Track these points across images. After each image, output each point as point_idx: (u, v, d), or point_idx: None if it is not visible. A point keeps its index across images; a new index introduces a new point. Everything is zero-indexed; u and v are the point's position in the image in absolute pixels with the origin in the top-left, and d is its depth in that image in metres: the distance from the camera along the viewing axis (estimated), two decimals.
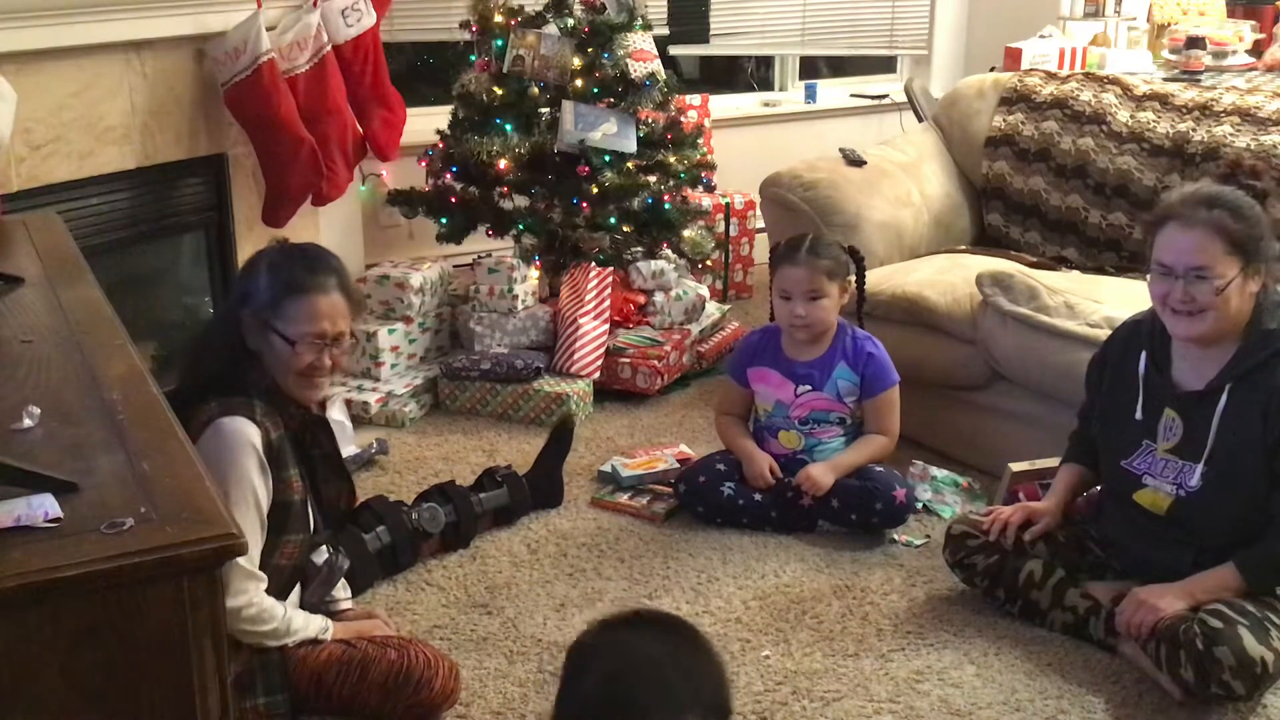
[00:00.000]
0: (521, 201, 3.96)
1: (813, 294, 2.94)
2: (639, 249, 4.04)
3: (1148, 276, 2.35)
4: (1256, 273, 2.25)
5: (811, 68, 5.77)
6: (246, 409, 2.06)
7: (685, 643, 1.37)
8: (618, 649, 1.35)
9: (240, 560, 1.98)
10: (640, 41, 4.16)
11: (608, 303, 3.82)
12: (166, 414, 1.49)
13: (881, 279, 3.39)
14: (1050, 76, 4.00)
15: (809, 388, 3.01)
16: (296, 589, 2.24)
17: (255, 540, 2.06)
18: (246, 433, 2.03)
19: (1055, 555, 2.54)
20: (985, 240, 3.95)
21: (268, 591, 2.08)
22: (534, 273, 3.96)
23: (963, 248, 3.83)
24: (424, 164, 4.05)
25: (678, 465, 3.19)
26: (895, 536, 2.93)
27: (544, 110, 3.90)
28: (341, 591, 2.40)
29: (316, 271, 2.14)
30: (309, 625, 2.17)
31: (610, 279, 3.87)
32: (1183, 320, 2.28)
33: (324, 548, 2.27)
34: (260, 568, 2.09)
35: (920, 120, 4.59)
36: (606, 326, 3.80)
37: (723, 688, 1.38)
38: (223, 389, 2.08)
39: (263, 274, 2.14)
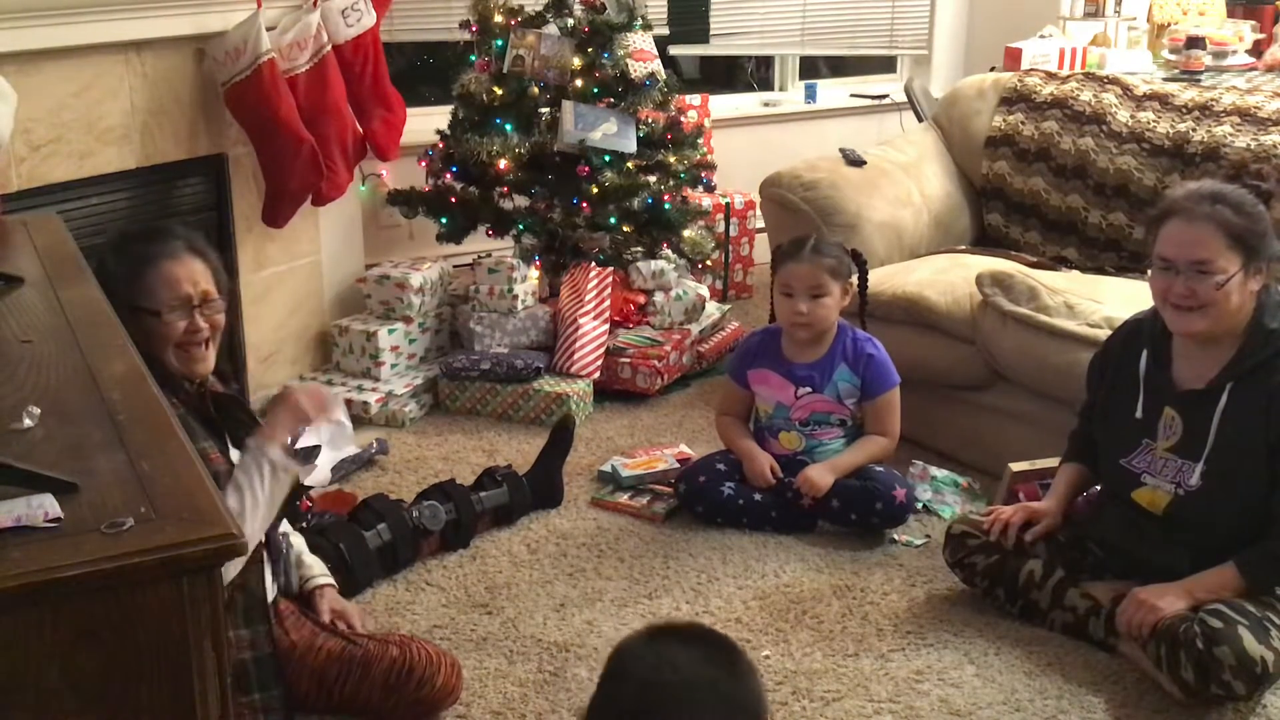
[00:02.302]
0: (521, 201, 3.96)
1: (815, 291, 2.94)
2: (639, 249, 4.04)
3: (1149, 273, 2.35)
4: (1258, 271, 2.26)
5: (811, 68, 5.77)
6: None
7: (728, 666, 1.35)
8: (661, 661, 1.33)
9: None
10: (640, 41, 4.17)
11: (608, 303, 3.82)
12: (166, 414, 1.49)
13: (882, 279, 3.39)
14: (1050, 76, 4.00)
15: (809, 389, 3.01)
16: (267, 576, 2.16)
17: None
18: None
19: (1055, 555, 2.54)
20: (985, 240, 3.95)
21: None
22: (534, 273, 3.96)
23: (963, 248, 3.83)
24: (424, 164, 4.05)
25: (678, 465, 3.19)
26: (895, 536, 2.93)
27: (544, 110, 3.90)
28: (317, 568, 2.37)
29: (159, 239, 2.13)
30: (271, 492, 2.00)
31: (610, 279, 3.87)
32: (1182, 315, 2.28)
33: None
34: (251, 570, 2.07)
35: (920, 120, 4.59)
36: (606, 326, 3.80)
37: (761, 716, 1.36)
38: None
39: (110, 257, 2.12)
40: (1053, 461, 2.73)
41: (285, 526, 2.30)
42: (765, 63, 5.66)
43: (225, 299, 2.20)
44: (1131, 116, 3.69)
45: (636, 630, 1.45)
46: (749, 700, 1.34)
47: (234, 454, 2.13)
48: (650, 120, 3.93)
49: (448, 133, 3.94)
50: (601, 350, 3.76)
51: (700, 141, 4.15)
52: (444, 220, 3.96)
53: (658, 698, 1.30)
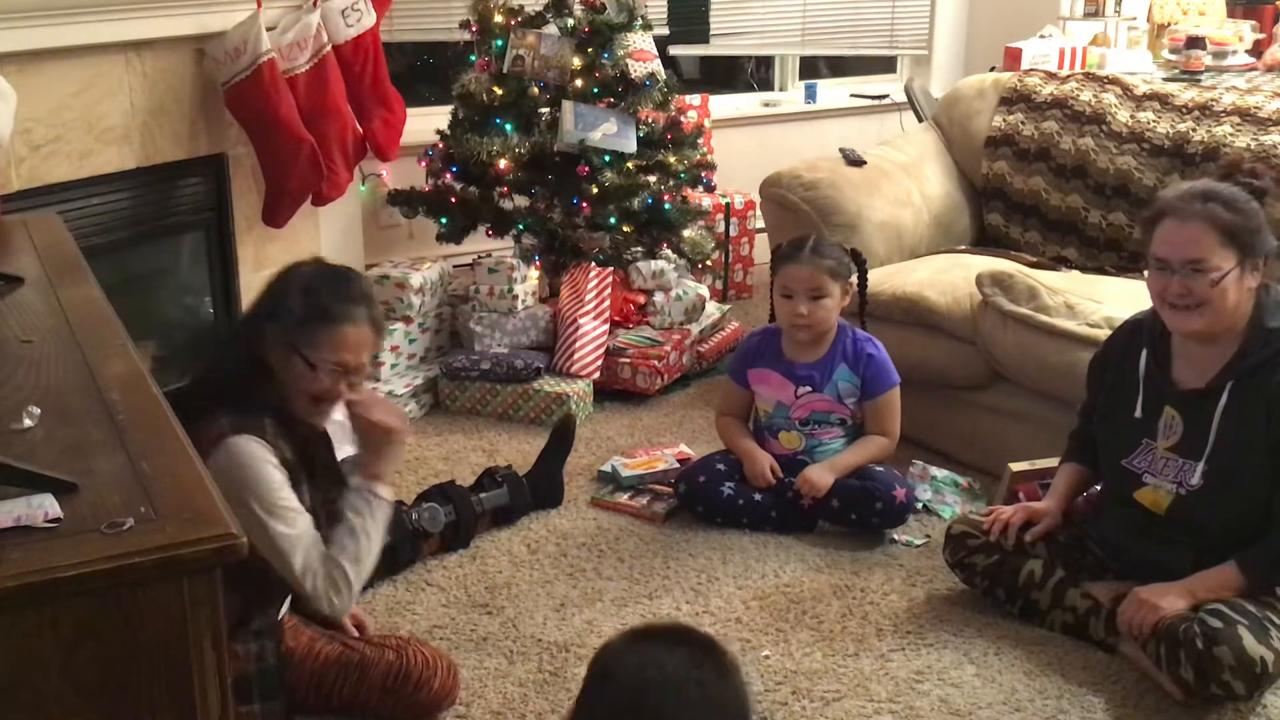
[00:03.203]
0: (521, 201, 3.96)
1: (815, 292, 2.94)
2: (639, 249, 4.04)
3: (1146, 273, 2.35)
4: (1255, 267, 2.26)
5: (811, 68, 5.77)
6: (258, 428, 2.04)
7: (714, 665, 1.34)
8: (645, 661, 1.33)
9: (298, 562, 2.01)
10: (640, 41, 4.16)
11: (608, 303, 3.82)
12: (166, 414, 1.49)
13: (882, 279, 3.39)
14: (1050, 76, 4.00)
15: (809, 389, 3.01)
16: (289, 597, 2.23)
17: (303, 533, 2.04)
18: (259, 454, 2.02)
19: (1055, 555, 2.54)
20: (985, 240, 3.95)
21: (271, 597, 2.10)
22: (534, 273, 3.96)
23: (963, 248, 3.83)
24: (424, 164, 4.05)
25: (678, 465, 3.19)
26: (895, 536, 2.93)
27: (544, 110, 3.90)
28: None
29: (349, 300, 2.12)
30: (373, 530, 2.12)
31: (610, 279, 3.87)
32: (1180, 314, 2.29)
33: None
34: (271, 580, 2.10)
35: (920, 120, 4.59)
36: (606, 326, 3.80)
37: (745, 717, 1.36)
38: (233, 403, 2.06)
39: (295, 294, 2.12)
40: (1053, 461, 2.73)
41: None
42: (765, 63, 5.66)
43: (373, 365, 2.20)
44: (1131, 116, 3.69)
45: (619, 632, 1.45)
46: (735, 699, 1.35)
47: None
48: (650, 120, 3.93)
49: (448, 133, 3.94)
50: (601, 350, 3.76)
51: (700, 141, 4.15)
52: (444, 220, 3.96)
53: (644, 700, 1.30)
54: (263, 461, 2.01)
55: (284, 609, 2.23)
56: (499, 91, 3.83)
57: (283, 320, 2.09)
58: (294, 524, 2.03)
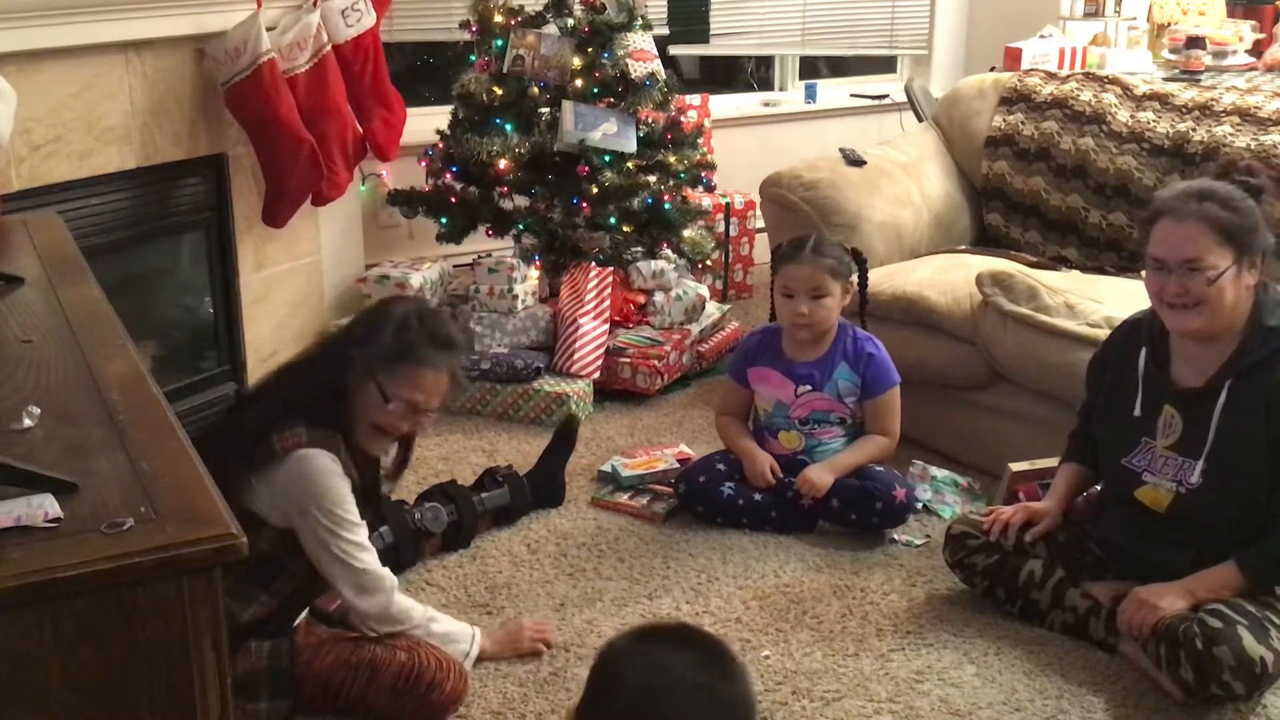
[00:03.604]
0: (521, 201, 3.96)
1: (816, 292, 2.94)
2: (639, 249, 4.04)
3: (1144, 274, 2.35)
4: (1252, 265, 2.26)
5: (811, 68, 5.77)
6: (333, 445, 2.13)
7: (720, 668, 1.35)
8: (655, 665, 1.33)
9: (363, 567, 2.12)
10: (640, 41, 4.16)
11: (608, 303, 3.82)
12: (167, 414, 1.49)
13: (882, 279, 3.39)
14: (1050, 76, 4.00)
15: (809, 388, 3.01)
16: None
17: (366, 543, 2.16)
18: (332, 468, 2.11)
19: (1055, 555, 2.54)
20: (985, 240, 3.95)
21: (303, 604, 2.20)
22: (534, 273, 3.96)
23: (963, 248, 3.83)
24: (424, 164, 4.04)
25: (678, 465, 3.19)
26: (895, 536, 2.93)
27: (544, 110, 3.90)
28: None
29: (440, 348, 2.21)
30: (455, 635, 2.26)
31: (610, 279, 3.87)
32: (1179, 314, 2.29)
33: None
34: (315, 593, 2.20)
35: (920, 120, 4.59)
36: (606, 326, 3.80)
37: (751, 718, 1.36)
38: (313, 416, 2.14)
39: (391, 327, 2.19)
40: (1053, 461, 2.73)
41: None
42: (765, 63, 5.66)
43: (438, 414, 2.33)
44: (1131, 116, 3.69)
45: (623, 633, 1.45)
46: (741, 701, 1.35)
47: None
48: (650, 120, 3.93)
49: (448, 133, 3.94)
50: (601, 350, 3.76)
51: (700, 141, 4.15)
52: (444, 220, 3.96)
53: (653, 703, 1.30)
54: (337, 476, 2.10)
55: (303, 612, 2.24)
56: (499, 91, 3.83)
57: (371, 350, 2.17)
58: (361, 537, 2.15)
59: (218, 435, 2.25)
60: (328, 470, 2.09)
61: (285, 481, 2.08)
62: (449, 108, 3.98)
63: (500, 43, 3.84)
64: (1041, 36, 4.89)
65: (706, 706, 1.30)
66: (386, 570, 2.20)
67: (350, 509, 2.12)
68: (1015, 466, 2.88)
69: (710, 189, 4.27)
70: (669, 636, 1.42)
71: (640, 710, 1.30)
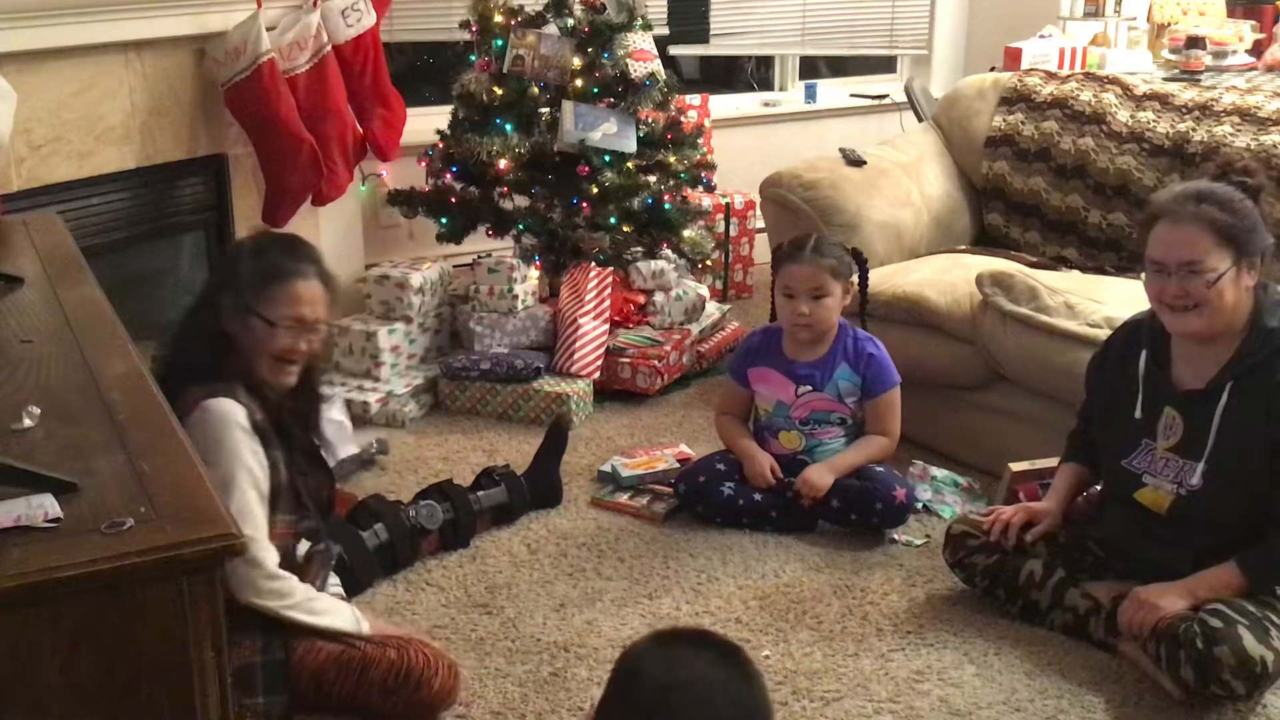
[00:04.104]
0: (521, 201, 3.96)
1: (816, 292, 2.94)
2: (639, 249, 4.04)
3: (1144, 276, 2.35)
4: (1251, 266, 2.26)
5: (811, 68, 5.77)
6: (230, 391, 2.10)
7: (738, 669, 1.37)
8: (672, 662, 1.36)
9: (251, 530, 2.03)
10: (640, 41, 4.16)
11: (608, 303, 3.82)
12: (166, 414, 1.49)
13: (882, 279, 3.39)
14: (1050, 76, 4.00)
15: (810, 388, 3.01)
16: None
17: (258, 511, 2.08)
18: (234, 412, 2.07)
19: (1055, 555, 2.54)
20: (985, 240, 3.95)
21: None
22: (534, 273, 3.96)
23: (963, 248, 3.83)
24: (424, 164, 4.05)
25: (678, 465, 3.19)
26: (895, 536, 2.93)
27: (544, 110, 3.90)
28: (330, 579, 2.40)
29: (298, 258, 2.21)
30: (336, 613, 2.17)
31: (610, 279, 3.87)
32: (1178, 316, 2.28)
33: (304, 541, 2.27)
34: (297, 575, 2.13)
35: (920, 120, 4.59)
36: (606, 326, 3.80)
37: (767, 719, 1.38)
38: (203, 376, 2.11)
39: (245, 259, 2.20)
40: (1053, 461, 2.73)
41: (308, 545, 2.32)
42: (765, 63, 5.66)
43: (331, 329, 2.26)
44: (1131, 116, 3.69)
45: (644, 635, 1.47)
46: (759, 702, 1.36)
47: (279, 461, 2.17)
48: (650, 120, 3.93)
49: (448, 133, 3.94)
50: (601, 350, 3.76)
51: (700, 141, 4.15)
52: (444, 220, 3.96)
53: (674, 698, 1.32)
54: (233, 426, 2.06)
55: None
56: (499, 91, 3.83)
57: (237, 285, 2.16)
58: (247, 503, 2.06)
59: None
60: (226, 419, 2.05)
61: (194, 440, 2.02)
62: (449, 108, 3.98)
63: (500, 43, 3.84)
64: (1041, 36, 4.89)
65: (724, 704, 1.32)
66: (271, 550, 2.10)
67: (235, 470, 2.04)
68: (1015, 466, 2.88)
69: (710, 189, 4.27)
70: (687, 638, 1.45)
71: (659, 706, 1.32)
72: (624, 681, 1.38)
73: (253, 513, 2.07)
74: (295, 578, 2.13)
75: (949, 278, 3.36)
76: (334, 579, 2.43)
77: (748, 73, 5.69)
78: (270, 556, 2.08)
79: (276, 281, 2.16)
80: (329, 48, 3.59)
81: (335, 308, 2.33)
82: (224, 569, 1.96)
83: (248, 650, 2.07)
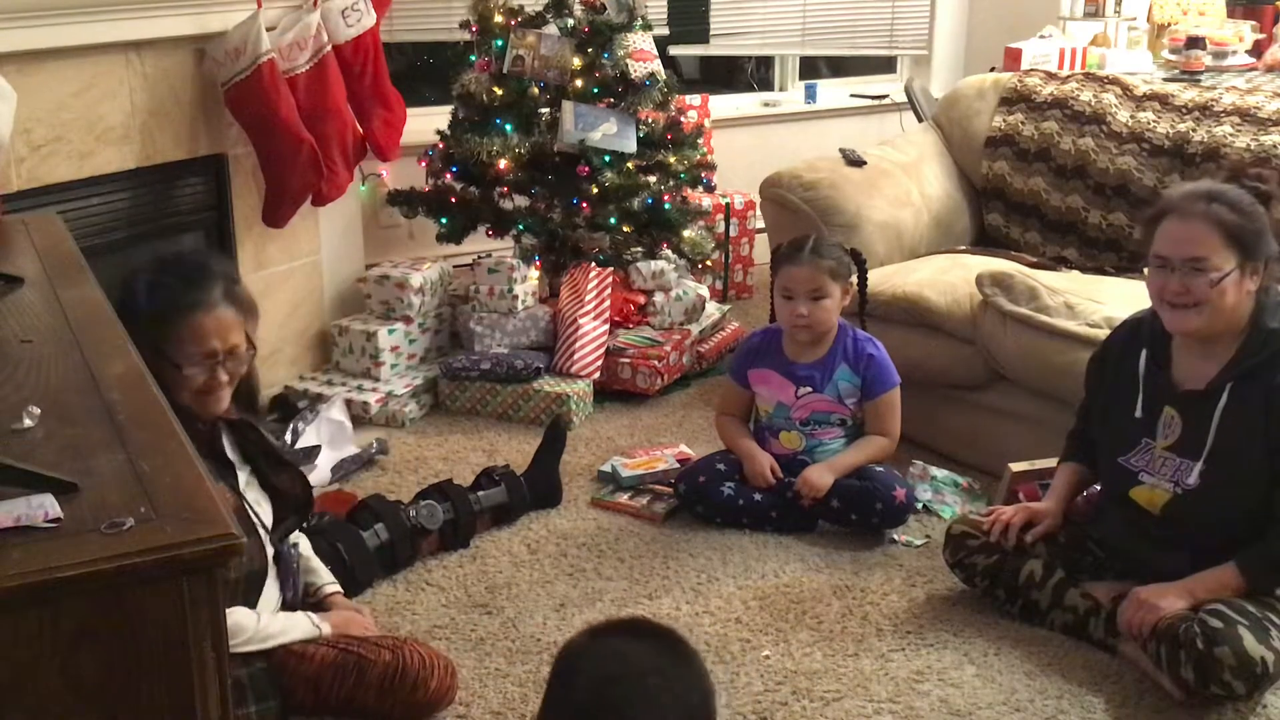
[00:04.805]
0: (521, 201, 3.96)
1: (815, 293, 2.94)
2: (639, 249, 4.04)
3: (1147, 273, 2.35)
4: (1255, 271, 2.26)
5: (811, 68, 5.77)
6: None
7: (674, 654, 1.39)
8: (608, 655, 1.37)
9: None
10: (640, 41, 4.16)
11: (608, 303, 3.82)
12: (166, 414, 1.49)
13: (882, 279, 3.39)
14: (1050, 76, 4.00)
15: (810, 389, 3.01)
16: (273, 593, 2.21)
17: None
18: None
19: (1055, 555, 2.54)
20: (985, 240, 3.95)
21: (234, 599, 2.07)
22: (534, 273, 3.96)
23: (963, 248, 3.83)
24: (424, 164, 4.05)
25: (678, 465, 3.19)
26: (895, 536, 2.93)
27: (544, 110, 3.90)
28: (324, 575, 2.39)
29: (197, 285, 2.06)
30: (290, 628, 2.14)
31: (610, 279, 3.87)
32: (1178, 313, 2.29)
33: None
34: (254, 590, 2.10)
35: (920, 120, 4.59)
36: (606, 327, 3.80)
37: (709, 700, 1.39)
38: None
39: (141, 296, 2.05)
40: (1053, 461, 2.73)
41: (295, 536, 2.30)
42: (765, 63, 5.66)
43: (253, 346, 2.15)
44: (1131, 116, 3.69)
45: (578, 631, 1.47)
46: (697, 685, 1.38)
47: (243, 479, 2.13)
48: (650, 120, 3.93)
49: (448, 133, 3.94)
50: (601, 350, 3.76)
51: (700, 141, 4.15)
52: (444, 220, 3.96)
53: (609, 692, 1.32)
54: None
55: (274, 604, 2.21)
56: (499, 91, 3.83)
57: (138, 328, 1.89)
58: None
59: None
60: None
61: None
62: (449, 108, 3.98)
63: (500, 43, 3.84)
64: (1041, 37, 4.89)
65: (660, 690, 1.33)
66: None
67: None
68: (1015, 466, 2.88)
69: (710, 189, 4.27)
70: (623, 629, 1.47)
71: (600, 698, 1.33)
72: (563, 680, 1.40)
73: None
74: (241, 610, 2.07)
75: (949, 278, 3.36)
76: (327, 574, 2.40)
77: (748, 73, 5.69)
78: None
79: (176, 319, 2.03)
80: (329, 48, 3.58)
81: (254, 322, 2.15)
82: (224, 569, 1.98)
83: (229, 665, 2.05)
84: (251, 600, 2.14)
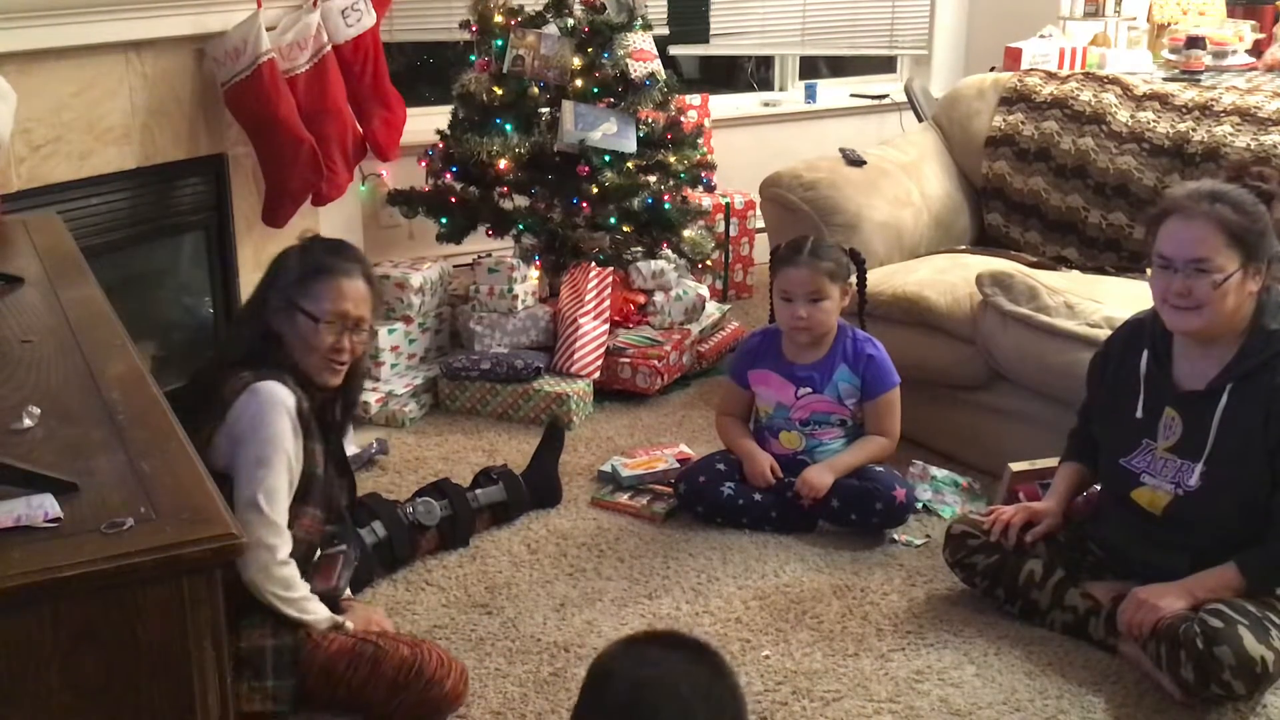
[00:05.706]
0: (521, 201, 3.96)
1: (814, 295, 2.94)
2: (639, 249, 4.04)
3: (1149, 273, 2.35)
4: (1257, 272, 2.25)
5: (811, 68, 5.77)
6: (280, 377, 2.16)
7: (710, 667, 1.39)
8: (644, 663, 1.37)
9: (272, 513, 2.07)
10: (640, 41, 4.16)
11: (608, 303, 3.82)
12: (167, 414, 1.49)
13: (882, 279, 3.39)
14: (1050, 76, 4.00)
15: (809, 390, 3.01)
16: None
17: (285, 497, 2.12)
18: (282, 395, 2.13)
19: (1055, 555, 2.54)
20: (985, 240, 3.95)
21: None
22: (534, 273, 3.96)
23: (963, 248, 3.83)
24: (424, 164, 4.05)
25: (678, 465, 3.19)
26: (895, 536, 2.93)
27: (544, 110, 3.90)
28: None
29: (343, 257, 2.28)
30: (318, 615, 2.18)
31: (610, 279, 3.87)
32: (1179, 314, 2.28)
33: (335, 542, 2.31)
34: (304, 556, 2.17)
35: (920, 120, 4.59)
36: (606, 326, 3.80)
37: (741, 716, 1.39)
38: (253, 365, 2.17)
39: (293, 258, 2.28)
40: (1053, 461, 2.73)
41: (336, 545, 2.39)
42: (765, 63, 5.66)
43: (374, 331, 2.32)
44: (1131, 116, 3.69)
45: (615, 639, 1.49)
46: (732, 697, 1.38)
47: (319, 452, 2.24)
48: (650, 120, 3.93)
49: (448, 133, 3.94)
50: (601, 350, 3.76)
51: (700, 141, 4.15)
52: (444, 220, 3.96)
53: (643, 696, 1.32)
54: (279, 408, 2.11)
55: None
56: (499, 91, 3.83)
57: (283, 282, 2.24)
58: (283, 484, 2.11)
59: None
60: (274, 401, 2.10)
61: (237, 417, 2.10)
62: (449, 108, 3.98)
63: (500, 43, 3.84)
64: (1041, 36, 4.89)
65: (694, 698, 1.33)
66: (287, 537, 2.12)
67: (273, 451, 2.08)
68: (1015, 466, 2.88)
69: (710, 189, 4.27)
70: (658, 639, 1.47)
71: (631, 704, 1.32)
72: (597, 683, 1.40)
73: (280, 496, 2.11)
74: (295, 569, 2.15)
75: (949, 278, 3.36)
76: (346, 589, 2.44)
77: (748, 73, 5.69)
78: (285, 544, 2.11)
79: (321, 278, 2.22)
80: (329, 48, 3.59)
81: (379, 311, 2.41)
82: (245, 560, 2.00)
83: (257, 634, 2.08)
84: (304, 570, 2.20)
